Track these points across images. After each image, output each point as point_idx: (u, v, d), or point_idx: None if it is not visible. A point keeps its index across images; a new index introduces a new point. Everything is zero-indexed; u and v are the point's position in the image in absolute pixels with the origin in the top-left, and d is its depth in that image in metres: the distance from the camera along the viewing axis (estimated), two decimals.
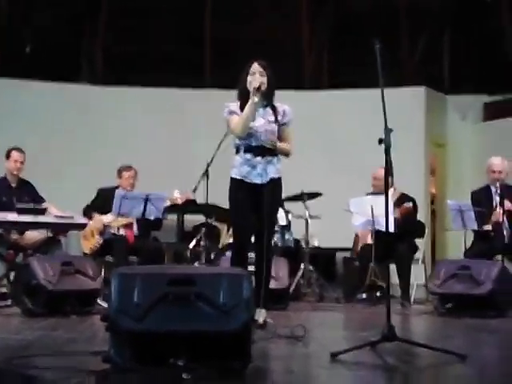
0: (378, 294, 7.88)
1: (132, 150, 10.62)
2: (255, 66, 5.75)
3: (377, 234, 7.89)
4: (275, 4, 12.53)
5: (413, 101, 11.26)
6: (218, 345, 3.84)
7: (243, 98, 5.78)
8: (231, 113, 5.80)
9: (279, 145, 5.81)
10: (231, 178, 5.84)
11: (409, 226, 8.09)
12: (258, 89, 5.64)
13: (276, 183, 5.81)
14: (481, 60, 12.23)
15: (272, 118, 5.79)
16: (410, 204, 8.12)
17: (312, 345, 5.16)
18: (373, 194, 8.28)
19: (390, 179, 7.60)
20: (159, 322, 3.82)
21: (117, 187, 8.35)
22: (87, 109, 11.42)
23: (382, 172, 7.64)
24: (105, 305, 6.78)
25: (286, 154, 5.91)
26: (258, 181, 5.74)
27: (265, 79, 5.72)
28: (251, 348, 3.96)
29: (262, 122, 5.76)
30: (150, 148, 11.15)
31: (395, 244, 7.80)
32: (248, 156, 5.76)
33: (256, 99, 5.64)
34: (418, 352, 4.70)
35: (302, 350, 5.00)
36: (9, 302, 7.09)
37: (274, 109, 5.83)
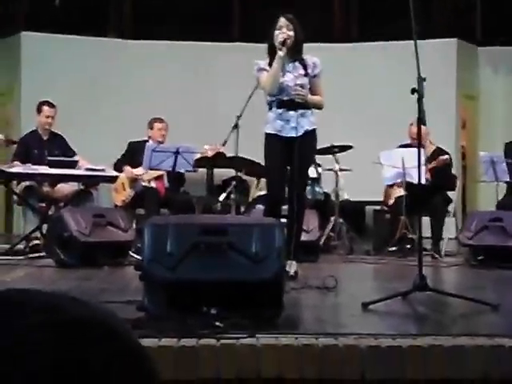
0: (408, 246, 7.88)
1: (160, 103, 10.60)
2: (282, 21, 5.74)
3: (409, 187, 7.87)
4: None
5: (444, 53, 11.12)
6: (251, 294, 3.87)
7: (272, 54, 5.79)
8: (260, 70, 5.81)
9: (310, 97, 5.80)
10: (266, 134, 5.84)
11: (442, 179, 8.07)
12: (284, 43, 5.63)
13: (310, 135, 5.82)
14: None
15: (302, 72, 5.78)
16: (447, 156, 8.10)
17: (343, 295, 5.19)
18: (405, 146, 8.23)
19: (425, 131, 7.67)
20: (192, 271, 3.85)
21: (147, 140, 8.38)
22: (116, 62, 11.40)
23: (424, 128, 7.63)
24: (137, 256, 6.85)
25: (319, 107, 5.91)
26: (292, 134, 5.74)
27: (291, 33, 5.70)
28: (283, 297, 3.99)
29: (292, 76, 5.74)
30: (178, 102, 11.13)
31: (429, 196, 7.78)
32: (280, 111, 5.77)
33: (281, 53, 5.63)
34: (449, 302, 4.71)
35: (333, 299, 5.04)
36: (42, 253, 7.18)
37: (304, 62, 5.81)
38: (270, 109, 5.83)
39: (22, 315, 0.80)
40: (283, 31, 5.68)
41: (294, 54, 5.77)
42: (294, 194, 5.80)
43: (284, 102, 5.75)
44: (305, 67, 5.79)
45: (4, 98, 11.66)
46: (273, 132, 5.79)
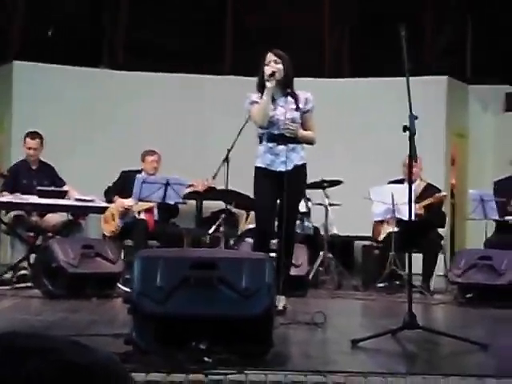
0: (397, 282, 7.88)
1: (151, 135, 10.62)
2: (270, 56, 5.79)
3: (400, 223, 7.90)
4: None
5: (435, 90, 11.19)
6: (240, 329, 3.85)
7: (262, 89, 5.80)
8: (252, 103, 5.82)
9: (301, 132, 5.80)
10: (255, 168, 5.85)
11: (432, 216, 8.10)
12: (272, 75, 5.65)
13: (300, 170, 5.81)
14: (503, 50, 12.15)
15: (293, 106, 5.79)
16: (445, 193, 8.17)
17: (331, 331, 5.17)
18: (397, 181, 8.27)
19: (417, 168, 7.71)
20: (181, 305, 3.83)
21: (140, 171, 8.38)
22: (107, 94, 11.42)
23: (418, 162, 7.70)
24: (125, 288, 6.81)
25: (310, 142, 5.91)
26: (282, 168, 5.73)
27: (280, 66, 5.72)
28: (272, 333, 3.97)
29: (283, 110, 5.75)
30: (169, 133, 11.14)
31: (422, 233, 7.80)
32: (271, 145, 5.77)
33: (270, 85, 5.65)
34: (439, 340, 4.70)
35: (321, 335, 5.02)
36: (29, 283, 7.14)
37: (295, 96, 5.82)
38: (261, 142, 5.83)
39: (24, 361, 0.79)
40: (271, 65, 5.72)
41: (285, 87, 5.80)
42: (284, 228, 5.79)
43: (274, 135, 5.76)
44: (296, 102, 5.81)
45: None
46: (262, 166, 5.79)
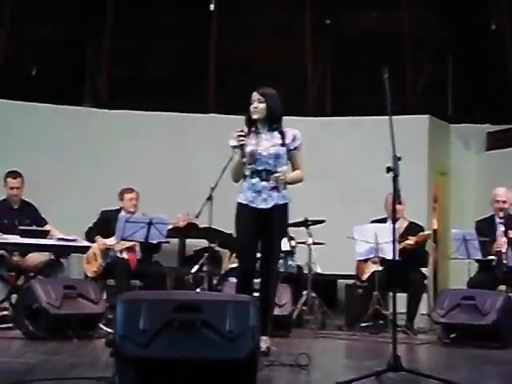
0: (381, 322, 7.85)
1: (135, 173, 10.62)
2: (254, 95, 5.82)
3: (384, 262, 7.91)
4: (278, 31, 12.57)
5: (416, 129, 11.27)
6: (224, 373, 3.81)
7: (248, 126, 5.84)
8: (233, 148, 5.83)
9: (290, 177, 5.77)
10: (237, 203, 5.83)
11: (416, 255, 8.12)
12: (241, 146, 5.68)
13: (281, 209, 5.76)
14: (484, 89, 12.26)
15: (279, 142, 5.78)
16: (430, 232, 8.18)
17: (315, 373, 5.13)
18: (379, 220, 8.28)
19: (401, 207, 7.74)
20: (165, 349, 3.80)
21: (120, 209, 8.35)
22: (90, 132, 11.42)
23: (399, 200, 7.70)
24: (107, 329, 6.75)
25: (299, 182, 5.89)
26: (263, 206, 5.73)
27: (262, 106, 5.74)
28: (256, 377, 3.94)
29: (268, 145, 5.75)
30: (152, 172, 11.15)
31: (406, 272, 7.80)
32: (254, 181, 5.75)
33: (236, 155, 5.74)
34: (423, 382, 4.68)
35: (306, 378, 4.98)
36: (10, 324, 7.05)
37: (282, 133, 5.82)
38: (245, 178, 5.83)
39: None
40: (254, 105, 5.75)
41: (270, 123, 5.81)
42: (267, 268, 5.77)
43: (258, 171, 5.75)
44: (283, 138, 5.80)
45: None
46: (244, 202, 5.78)
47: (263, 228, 5.70)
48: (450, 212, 11.99)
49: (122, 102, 11.93)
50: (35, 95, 11.27)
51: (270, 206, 5.72)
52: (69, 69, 12.35)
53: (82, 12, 12.33)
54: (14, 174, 8.13)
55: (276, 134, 5.81)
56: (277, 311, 7.39)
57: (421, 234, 8.19)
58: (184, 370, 3.75)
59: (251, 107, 5.78)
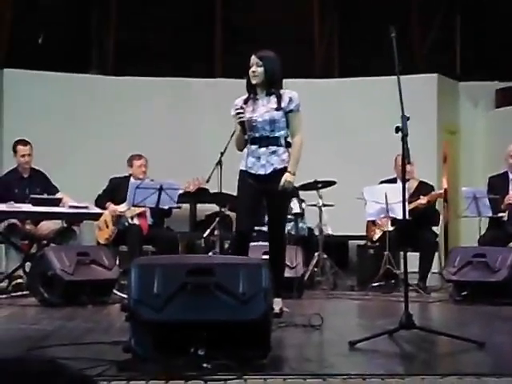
0: (392, 281, 7.90)
1: (142, 139, 10.63)
2: (252, 58, 5.75)
3: (395, 222, 7.94)
4: None
5: (425, 88, 11.22)
6: (238, 334, 3.85)
7: (248, 91, 5.82)
8: (233, 117, 5.81)
9: (291, 163, 5.72)
10: (239, 170, 5.84)
11: (427, 214, 8.13)
12: (242, 123, 5.67)
13: (280, 174, 5.71)
14: (492, 46, 12.19)
15: (274, 105, 5.72)
16: (442, 191, 8.20)
17: (329, 333, 5.18)
18: (389, 180, 8.29)
19: (411, 167, 7.76)
20: (179, 312, 3.84)
21: (129, 176, 8.38)
22: (98, 99, 11.43)
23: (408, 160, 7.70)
24: (121, 294, 6.82)
25: (300, 150, 5.85)
26: (261, 171, 5.71)
27: (260, 69, 5.69)
28: (270, 338, 3.98)
29: (263, 110, 5.72)
30: (161, 137, 11.16)
31: (417, 232, 7.82)
32: (253, 147, 5.74)
33: (240, 133, 5.74)
34: (436, 340, 4.72)
35: (319, 338, 5.03)
36: (25, 292, 7.13)
37: (279, 96, 5.78)
38: (245, 145, 5.83)
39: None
40: (253, 69, 5.71)
41: (268, 87, 5.77)
42: (274, 231, 5.80)
43: (255, 138, 5.73)
44: (279, 101, 5.75)
45: None
46: (244, 169, 5.78)
47: (265, 193, 5.71)
48: (460, 170, 11.98)
49: (129, 68, 11.90)
50: (42, 63, 11.26)
51: (268, 171, 5.70)
52: (75, 37, 12.33)
53: None
54: (23, 142, 8.16)
55: (273, 97, 5.75)
56: (288, 273, 7.45)
57: (433, 193, 8.19)
58: (198, 333, 3.79)
59: (250, 71, 5.73)
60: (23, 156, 8.11)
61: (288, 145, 5.79)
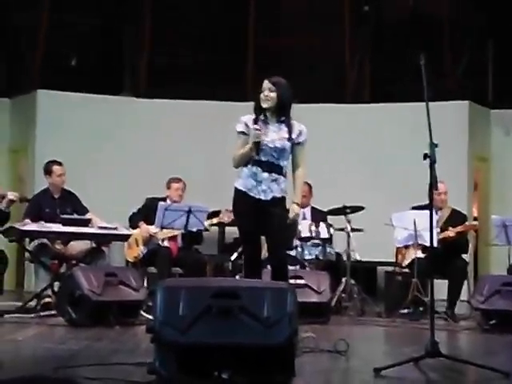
0: (421, 309, 7.84)
1: (173, 162, 10.69)
2: (265, 83, 5.70)
3: (426, 248, 7.91)
4: (317, 17, 12.55)
5: (456, 115, 11.18)
6: (262, 358, 3.86)
7: (256, 113, 5.76)
8: (239, 134, 5.77)
9: (296, 195, 5.76)
10: (236, 188, 5.77)
11: (457, 242, 8.10)
12: (258, 143, 5.64)
13: (279, 203, 5.69)
14: None
15: (286, 135, 5.70)
16: (477, 222, 8.19)
17: (354, 359, 5.16)
18: (419, 207, 8.24)
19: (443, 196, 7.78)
20: (204, 335, 3.85)
21: (165, 198, 8.43)
22: (129, 120, 11.50)
23: (442, 187, 7.70)
24: (147, 316, 6.84)
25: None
26: (261, 197, 5.67)
27: (273, 94, 5.68)
28: (295, 363, 3.98)
29: (275, 137, 5.69)
30: (191, 161, 11.19)
31: (447, 259, 7.79)
32: (255, 170, 5.71)
33: (253, 153, 5.63)
34: (461, 368, 4.69)
35: (344, 364, 5.01)
36: (53, 311, 7.18)
37: (290, 126, 5.77)
38: (246, 165, 5.75)
39: None
40: (265, 93, 5.67)
41: (279, 114, 5.74)
42: (275, 258, 5.73)
43: (261, 162, 5.67)
44: (290, 132, 5.73)
45: (18, 155, 11.78)
46: (243, 189, 5.70)
47: (262, 219, 5.64)
48: (491, 198, 11.90)
49: (161, 90, 11.99)
50: (75, 85, 11.39)
51: (268, 198, 5.67)
52: (109, 60, 12.46)
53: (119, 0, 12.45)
54: (58, 162, 8.24)
55: (283, 126, 5.72)
56: (316, 298, 7.47)
57: (467, 223, 8.17)
58: (223, 356, 3.80)
59: (262, 95, 5.68)
60: (60, 176, 8.18)
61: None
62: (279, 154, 5.69)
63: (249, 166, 5.71)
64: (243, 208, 5.72)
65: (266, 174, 5.68)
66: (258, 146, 5.62)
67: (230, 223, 8.41)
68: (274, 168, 5.69)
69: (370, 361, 4.88)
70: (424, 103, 4.80)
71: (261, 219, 5.64)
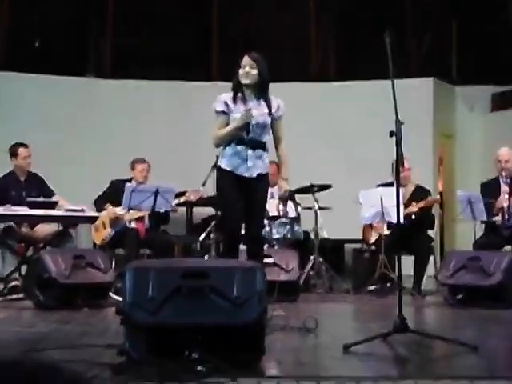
0: (388, 285, 7.92)
1: (139, 142, 10.65)
2: (246, 59, 5.72)
3: (391, 225, 7.97)
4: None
5: (421, 92, 11.26)
6: (232, 337, 3.87)
7: (235, 90, 5.79)
8: (218, 113, 5.79)
9: (284, 170, 5.90)
10: (220, 168, 5.79)
11: (422, 218, 8.17)
12: (248, 124, 5.65)
13: (263, 179, 5.77)
14: (488, 51, 12.21)
15: (266, 111, 5.75)
16: (438, 197, 8.27)
17: (323, 336, 5.19)
18: (385, 185, 8.30)
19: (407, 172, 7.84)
20: (174, 315, 3.85)
21: (130, 180, 8.39)
22: (94, 102, 11.43)
23: (406, 164, 7.77)
24: (116, 298, 6.83)
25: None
26: (247, 174, 5.71)
27: (254, 71, 5.70)
28: (264, 341, 4.00)
29: (256, 113, 5.70)
30: (157, 141, 11.16)
31: (413, 235, 7.86)
32: (239, 148, 5.72)
33: (242, 132, 5.66)
34: (430, 343, 4.74)
35: (313, 341, 5.04)
36: (21, 295, 7.14)
37: (268, 102, 5.80)
38: (229, 144, 5.76)
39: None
40: (246, 70, 5.70)
41: (259, 92, 5.77)
42: (253, 235, 5.79)
43: (244, 140, 5.70)
44: (269, 107, 5.77)
45: None
46: (228, 168, 5.73)
47: (246, 195, 5.70)
48: (456, 174, 12.01)
49: (126, 71, 11.91)
50: (39, 66, 11.28)
51: (254, 175, 5.71)
52: (73, 40, 12.34)
53: None
54: (24, 145, 8.17)
55: (262, 102, 5.77)
56: (284, 276, 7.49)
57: (429, 198, 8.24)
58: (193, 336, 3.81)
59: (242, 71, 5.71)
60: (25, 158, 8.12)
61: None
62: (262, 129, 5.73)
63: (232, 145, 5.73)
64: (228, 187, 5.72)
65: (250, 152, 5.70)
66: (248, 126, 5.64)
67: (196, 202, 8.41)
68: (257, 144, 5.73)
69: (339, 337, 4.91)
70: (388, 81, 4.82)
71: (243, 194, 5.69)
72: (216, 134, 5.78)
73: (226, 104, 5.76)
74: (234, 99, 5.76)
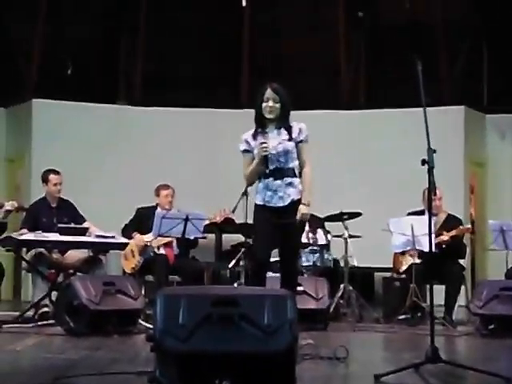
0: (419, 314, 7.84)
1: (169, 170, 10.67)
2: (268, 92, 5.75)
3: (422, 254, 7.91)
4: (312, 23, 12.55)
5: (452, 120, 11.20)
6: (263, 366, 3.84)
7: (258, 124, 5.85)
8: (244, 152, 5.88)
9: (306, 194, 5.75)
10: (255, 205, 5.85)
11: (454, 247, 8.11)
12: (265, 157, 5.68)
13: (298, 204, 5.73)
14: None
15: (286, 137, 5.77)
16: (470, 226, 8.21)
17: (354, 366, 5.15)
18: (416, 213, 8.25)
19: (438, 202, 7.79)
20: (204, 343, 3.83)
21: (155, 206, 8.42)
22: (125, 129, 11.49)
23: (438, 193, 7.71)
24: (146, 325, 6.83)
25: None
26: (280, 204, 5.73)
27: (278, 105, 5.73)
28: (295, 370, 3.97)
29: (275, 143, 5.74)
30: (186, 168, 11.19)
31: (444, 264, 7.79)
32: (267, 181, 5.75)
33: (263, 166, 5.71)
34: (461, 374, 4.68)
35: (344, 370, 5.00)
36: (51, 321, 7.16)
37: (289, 128, 5.82)
38: (259, 180, 5.82)
39: None
40: (269, 104, 5.72)
41: (280, 122, 5.81)
42: (288, 265, 5.80)
43: (270, 171, 5.74)
44: (289, 132, 5.79)
45: (14, 165, 11.76)
46: (261, 203, 5.77)
47: (281, 225, 5.68)
48: (487, 203, 11.90)
49: (156, 99, 11.98)
50: (70, 94, 11.38)
51: (286, 203, 5.73)
52: (103, 67, 12.46)
53: (116, 11, 12.44)
54: (55, 171, 8.25)
55: (282, 130, 5.81)
56: (314, 305, 7.46)
57: (461, 227, 8.17)
58: (223, 364, 3.79)
59: (265, 105, 5.74)
60: (55, 185, 8.19)
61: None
62: (285, 156, 5.74)
63: (262, 180, 5.79)
64: (262, 216, 5.72)
65: (278, 181, 5.73)
66: (266, 159, 5.68)
67: (225, 227, 8.40)
68: (284, 172, 5.75)
69: (369, 367, 4.88)
70: (419, 108, 4.80)
71: (280, 226, 5.67)
72: (245, 173, 5.89)
73: (247, 142, 5.87)
74: (254, 136, 5.81)
